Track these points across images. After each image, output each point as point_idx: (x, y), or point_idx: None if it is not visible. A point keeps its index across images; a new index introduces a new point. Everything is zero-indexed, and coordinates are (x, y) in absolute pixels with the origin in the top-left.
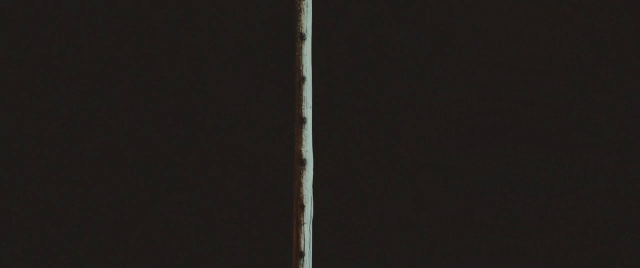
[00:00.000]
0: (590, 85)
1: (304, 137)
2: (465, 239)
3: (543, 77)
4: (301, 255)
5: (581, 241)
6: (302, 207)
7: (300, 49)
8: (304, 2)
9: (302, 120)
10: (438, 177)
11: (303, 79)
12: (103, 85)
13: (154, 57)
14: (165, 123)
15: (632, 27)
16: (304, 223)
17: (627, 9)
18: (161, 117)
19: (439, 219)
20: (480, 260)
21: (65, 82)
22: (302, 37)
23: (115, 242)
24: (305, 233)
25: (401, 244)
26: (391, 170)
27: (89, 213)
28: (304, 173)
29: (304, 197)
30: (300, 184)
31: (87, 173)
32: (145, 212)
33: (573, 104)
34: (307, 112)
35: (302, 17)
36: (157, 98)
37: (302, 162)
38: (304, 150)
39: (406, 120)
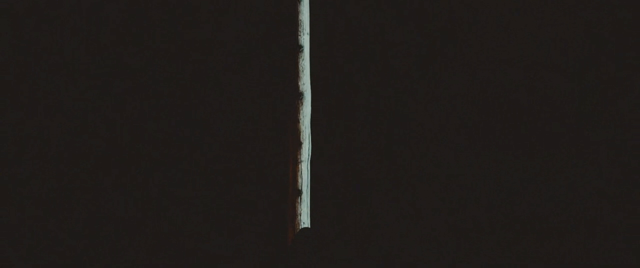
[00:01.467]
0: (596, 83)
1: (301, 68)
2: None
3: (547, 75)
4: (298, 193)
5: (582, 240)
6: (300, 144)
7: None
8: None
9: (299, 48)
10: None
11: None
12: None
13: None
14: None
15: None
16: (301, 161)
17: (627, 7)
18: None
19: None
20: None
21: (64, 82)
22: None
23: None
24: (303, 172)
25: (402, 187)
26: (392, 106)
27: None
28: (301, 108)
29: (302, 134)
30: (297, 120)
31: (85, 172)
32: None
33: (577, 102)
34: (304, 39)
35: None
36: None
37: (299, 96)
38: (301, 83)
39: (403, 63)
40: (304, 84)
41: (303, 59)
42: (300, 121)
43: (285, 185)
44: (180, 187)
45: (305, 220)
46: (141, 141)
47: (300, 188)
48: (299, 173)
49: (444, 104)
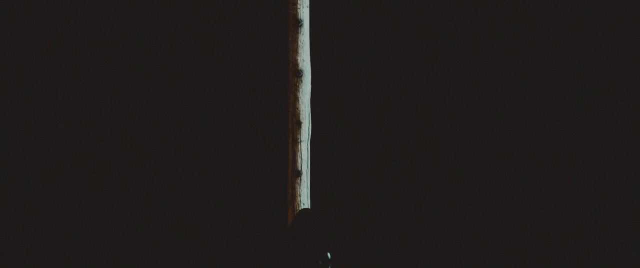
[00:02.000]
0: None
1: (300, 43)
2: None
3: (547, 74)
4: (298, 174)
5: (582, 240)
6: (299, 123)
7: None
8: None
9: (298, 23)
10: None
11: None
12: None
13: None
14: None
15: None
16: (301, 141)
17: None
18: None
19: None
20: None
21: (65, 82)
22: None
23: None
24: (303, 152)
25: (403, 173)
26: (393, 82)
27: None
28: (300, 86)
29: (301, 113)
30: (296, 98)
31: (86, 173)
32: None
33: (577, 102)
34: (304, 12)
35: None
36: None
37: (298, 73)
38: (300, 59)
39: (405, 54)
40: (303, 60)
41: (302, 34)
42: (300, 99)
43: (284, 165)
44: (183, 185)
45: (305, 201)
46: (142, 129)
47: (299, 169)
48: (299, 154)
49: (445, 100)
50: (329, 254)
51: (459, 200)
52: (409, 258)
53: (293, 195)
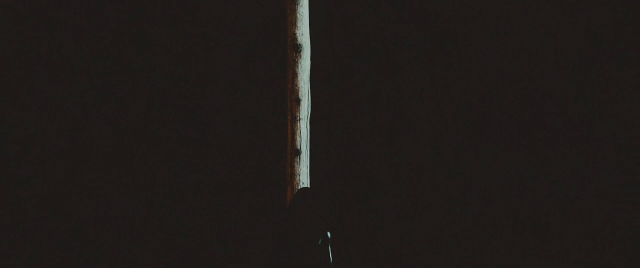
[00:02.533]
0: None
1: (298, 16)
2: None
3: (548, 73)
4: (297, 153)
5: (582, 240)
6: (298, 100)
7: None
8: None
9: None
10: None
11: None
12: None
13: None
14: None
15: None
16: (300, 119)
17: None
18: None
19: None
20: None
21: (66, 82)
22: None
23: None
24: (302, 130)
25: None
26: (394, 58)
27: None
28: (299, 61)
29: (300, 90)
30: (295, 74)
31: (88, 173)
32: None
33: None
34: None
35: None
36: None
37: (297, 48)
38: (298, 33)
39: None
40: (302, 34)
41: (301, 6)
42: (299, 76)
43: (283, 144)
44: (184, 178)
45: (304, 180)
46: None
47: (299, 147)
48: (298, 132)
49: (446, 97)
50: (328, 233)
51: (459, 194)
52: (409, 243)
53: (292, 174)
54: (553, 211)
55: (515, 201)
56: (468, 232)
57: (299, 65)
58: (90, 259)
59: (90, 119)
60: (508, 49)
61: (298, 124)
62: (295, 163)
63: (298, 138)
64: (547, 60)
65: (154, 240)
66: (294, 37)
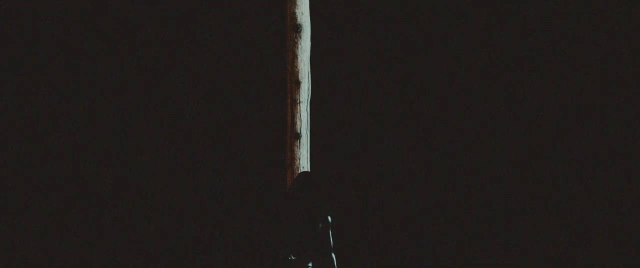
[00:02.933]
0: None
1: None
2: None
3: (548, 73)
4: (297, 137)
5: (582, 240)
6: (298, 83)
7: None
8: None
9: None
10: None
11: None
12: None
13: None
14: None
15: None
16: (300, 102)
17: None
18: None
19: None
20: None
21: (63, 81)
22: None
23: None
24: (302, 113)
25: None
26: (396, 39)
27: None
28: (299, 42)
29: (300, 72)
30: (295, 56)
31: (84, 173)
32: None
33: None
34: None
35: None
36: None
37: (297, 28)
38: (298, 12)
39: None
40: (302, 13)
41: None
42: (299, 57)
43: (283, 127)
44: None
45: (304, 164)
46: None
47: (299, 131)
48: (298, 115)
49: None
50: (329, 217)
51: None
52: (409, 227)
53: (292, 158)
54: (554, 211)
55: (517, 200)
56: (469, 216)
57: (299, 46)
58: (91, 259)
59: (86, 119)
60: (511, 48)
61: (298, 107)
62: (295, 147)
63: (298, 122)
64: (548, 59)
65: (151, 225)
66: (293, 17)
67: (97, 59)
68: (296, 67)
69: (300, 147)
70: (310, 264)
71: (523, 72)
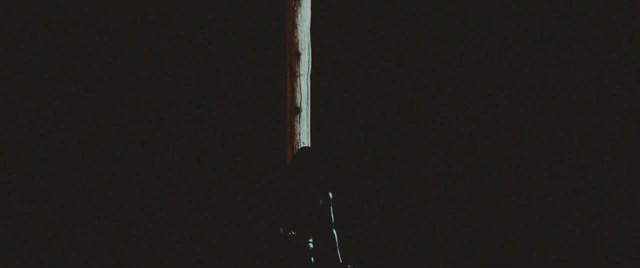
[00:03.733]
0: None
1: None
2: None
3: (548, 73)
4: (297, 111)
5: (582, 240)
6: (298, 55)
7: None
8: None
9: None
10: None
11: None
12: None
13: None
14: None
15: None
16: (300, 75)
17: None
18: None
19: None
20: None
21: (63, 81)
22: None
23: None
24: (302, 87)
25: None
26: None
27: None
28: (299, 11)
29: (300, 43)
30: (294, 26)
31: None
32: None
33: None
34: None
35: None
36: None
37: None
38: None
39: None
40: None
41: None
42: (298, 27)
43: (282, 101)
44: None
45: (305, 139)
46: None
47: (299, 105)
48: (298, 89)
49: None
50: (330, 194)
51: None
52: (410, 203)
53: (292, 134)
54: (554, 211)
55: (517, 200)
56: (468, 195)
57: (299, 15)
58: (90, 259)
59: (85, 119)
60: (510, 47)
61: (298, 80)
62: (295, 122)
63: (298, 96)
64: (548, 59)
65: (155, 203)
66: None
67: (97, 59)
68: (296, 37)
69: (301, 122)
70: (311, 240)
71: (523, 72)
